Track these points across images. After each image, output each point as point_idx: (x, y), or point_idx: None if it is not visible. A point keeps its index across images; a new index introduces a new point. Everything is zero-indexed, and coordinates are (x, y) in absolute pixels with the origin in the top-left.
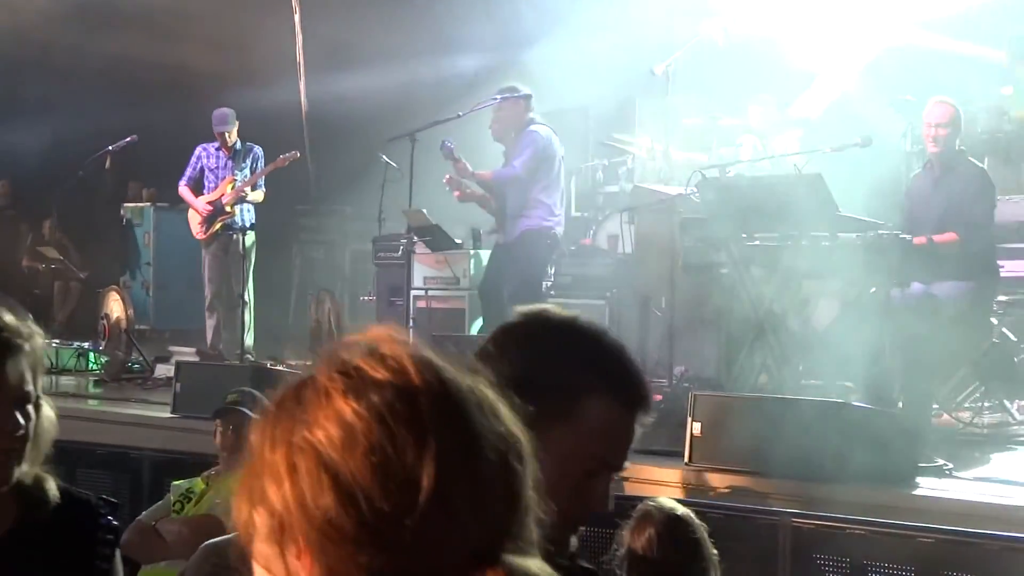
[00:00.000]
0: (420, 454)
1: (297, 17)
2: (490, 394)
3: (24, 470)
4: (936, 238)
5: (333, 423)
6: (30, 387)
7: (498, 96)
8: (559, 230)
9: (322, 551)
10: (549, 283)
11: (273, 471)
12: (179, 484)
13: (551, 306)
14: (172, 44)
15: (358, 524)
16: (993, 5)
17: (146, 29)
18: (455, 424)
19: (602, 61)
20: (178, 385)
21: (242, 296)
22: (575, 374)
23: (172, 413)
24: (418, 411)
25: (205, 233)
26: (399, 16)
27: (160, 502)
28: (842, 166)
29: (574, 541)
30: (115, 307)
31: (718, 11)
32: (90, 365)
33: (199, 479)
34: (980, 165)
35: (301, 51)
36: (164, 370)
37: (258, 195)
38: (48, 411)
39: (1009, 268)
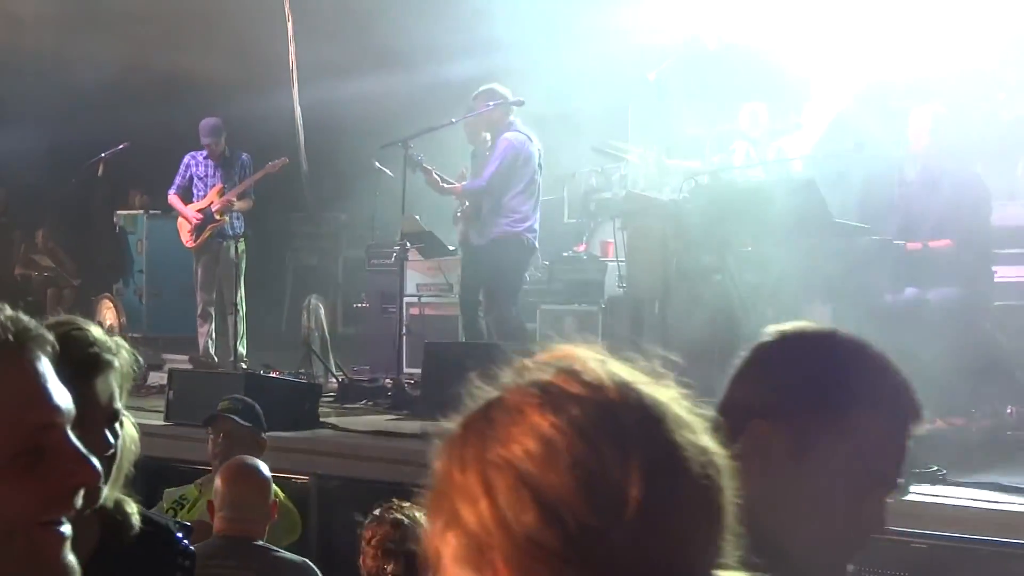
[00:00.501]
0: (625, 468)
1: (290, 24)
2: (685, 408)
3: (106, 492)
4: (932, 244)
5: (530, 438)
6: (118, 404)
7: (491, 103)
8: (530, 236)
9: (525, 570)
10: (542, 288)
11: (466, 492)
12: (172, 491)
13: (806, 323)
14: (165, 51)
15: (563, 540)
16: (985, 11)
17: (139, 36)
18: (657, 438)
19: (595, 67)
20: (171, 392)
21: (234, 303)
22: (840, 389)
23: (165, 420)
24: (620, 425)
25: (195, 241)
26: (392, 23)
27: (153, 509)
28: (835, 172)
29: (850, 567)
30: (108, 314)
31: (711, 18)
32: None
33: (192, 486)
34: (974, 171)
35: (294, 58)
36: (157, 378)
37: (246, 204)
38: (130, 428)
39: (1002, 274)
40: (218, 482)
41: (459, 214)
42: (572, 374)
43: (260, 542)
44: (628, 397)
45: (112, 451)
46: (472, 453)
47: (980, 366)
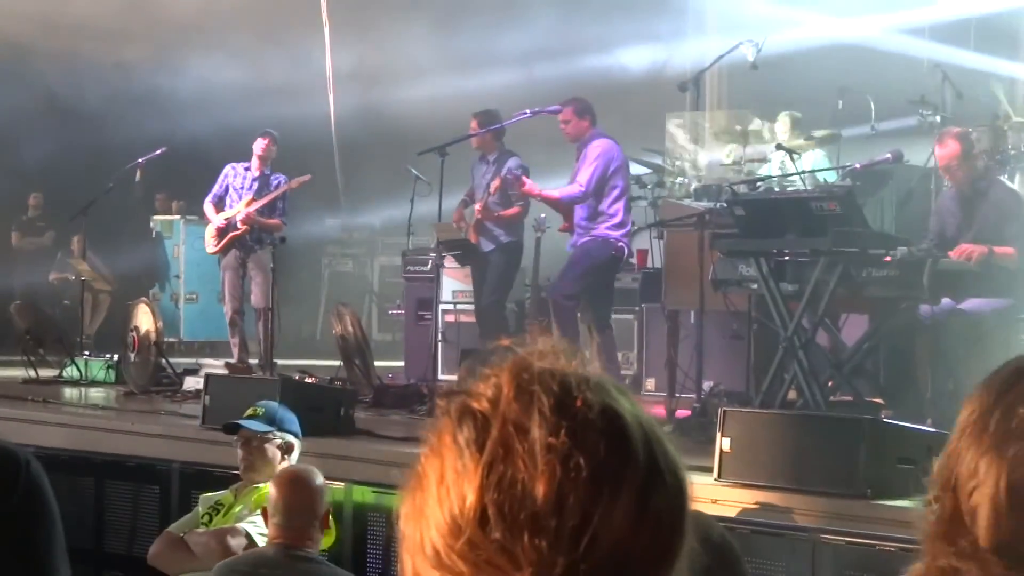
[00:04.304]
0: None
1: (327, 31)
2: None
3: None
4: (997, 249)
5: None
6: None
7: (528, 111)
8: (626, 242)
9: None
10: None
11: None
12: (208, 496)
13: None
14: (202, 57)
15: None
16: None
17: (176, 41)
18: None
19: (631, 76)
20: (207, 397)
21: (270, 309)
22: None
23: (201, 425)
24: None
25: (215, 248)
26: (428, 30)
27: (189, 514)
28: (872, 182)
29: None
30: (144, 319)
31: (749, 27)
32: (119, 377)
33: (227, 491)
34: (1011, 186)
35: (330, 65)
36: (193, 382)
37: (275, 223)
38: None
39: None
40: (272, 489)
41: (463, 222)
42: None
43: (311, 553)
44: None
45: None
46: None
47: None
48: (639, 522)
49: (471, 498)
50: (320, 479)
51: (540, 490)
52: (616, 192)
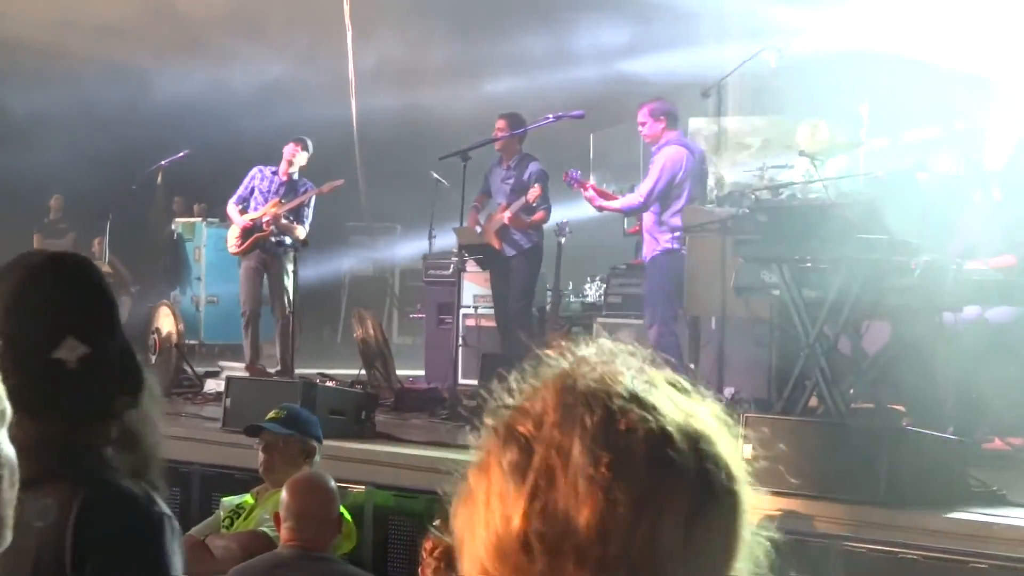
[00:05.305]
0: None
1: (349, 35)
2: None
3: None
4: (991, 262)
5: None
6: None
7: (550, 116)
8: (684, 250)
9: None
10: (599, 301)
11: None
12: (229, 500)
13: None
14: (224, 61)
15: None
16: None
17: (198, 46)
18: None
19: (653, 81)
20: (228, 400)
21: (291, 313)
22: None
23: (222, 428)
24: None
25: (238, 248)
26: (452, 35)
27: (210, 518)
28: (896, 190)
29: None
30: (165, 322)
31: (771, 33)
32: None
33: (248, 495)
34: None
35: (353, 69)
36: (214, 385)
37: (300, 231)
38: None
39: None
40: (284, 494)
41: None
42: None
43: (325, 554)
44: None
45: None
46: None
47: None
48: (685, 545)
49: (516, 524)
50: (332, 483)
51: (583, 520)
52: (680, 202)
